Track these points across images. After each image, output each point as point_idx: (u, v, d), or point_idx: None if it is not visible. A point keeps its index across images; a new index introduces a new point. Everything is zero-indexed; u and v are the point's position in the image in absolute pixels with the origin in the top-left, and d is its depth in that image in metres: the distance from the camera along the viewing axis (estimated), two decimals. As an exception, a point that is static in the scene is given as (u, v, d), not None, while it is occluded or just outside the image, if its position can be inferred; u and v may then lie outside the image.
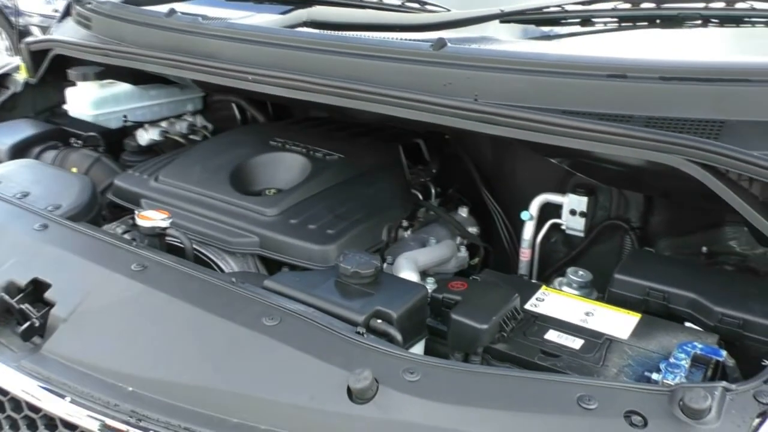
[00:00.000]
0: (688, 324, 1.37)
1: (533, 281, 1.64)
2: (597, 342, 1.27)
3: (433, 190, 2.10)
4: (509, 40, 1.74)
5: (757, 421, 0.94)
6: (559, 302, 1.43)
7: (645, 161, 1.36)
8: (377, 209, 1.67)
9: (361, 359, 1.06)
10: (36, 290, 1.34)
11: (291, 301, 1.23)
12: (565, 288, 1.67)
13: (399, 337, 1.18)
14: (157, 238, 1.47)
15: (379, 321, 1.20)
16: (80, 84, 2.06)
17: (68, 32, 2.34)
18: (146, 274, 1.31)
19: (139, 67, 1.94)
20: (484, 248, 1.99)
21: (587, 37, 1.69)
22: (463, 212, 2.07)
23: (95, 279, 1.32)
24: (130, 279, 1.30)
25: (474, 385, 1.02)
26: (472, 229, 2.03)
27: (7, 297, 1.29)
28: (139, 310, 1.24)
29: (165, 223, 1.44)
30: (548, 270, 2.01)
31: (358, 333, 1.13)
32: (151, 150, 2.32)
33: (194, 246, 1.59)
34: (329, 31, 1.72)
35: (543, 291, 1.47)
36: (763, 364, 1.23)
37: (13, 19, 7.29)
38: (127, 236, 1.67)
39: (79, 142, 2.26)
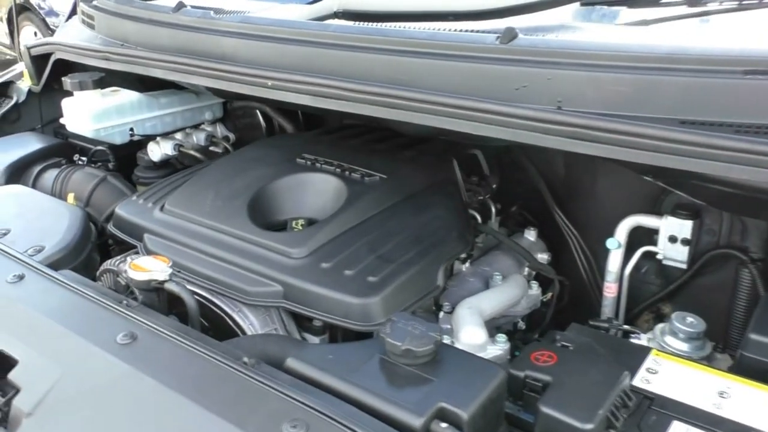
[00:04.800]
0: None
1: (638, 342, 1.28)
2: (744, 443, 0.92)
3: (493, 209, 1.75)
4: (592, 28, 1.38)
5: None
6: (679, 375, 1.07)
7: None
8: (431, 245, 1.33)
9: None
10: (3, 367, 1.06)
11: (320, 394, 0.91)
12: (668, 338, 1.32)
13: (471, 448, 0.85)
14: (154, 293, 1.16)
15: (444, 425, 0.86)
16: (77, 94, 1.76)
17: (72, 33, 2.08)
18: (134, 349, 1.01)
19: (143, 73, 1.64)
20: (560, 282, 1.64)
21: (694, 22, 1.32)
22: (531, 236, 1.72)
23: (71, 355, 1.03)
24: (113, 356, 0.99)
25: None
26: (542, 257, 1.68)
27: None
28: (119, 403, 0.93)
29: (163, 276, 1.14)
30: (637, 307, 1.65)
31: (415, 452, 0.80)
32: (169, 164, 2.04)
33: (206, 296, 1.28)
34: (366, 24, 1.38)
35: (654, 357, 1.11)
36: None
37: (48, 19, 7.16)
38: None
39: (83, 159, 1.99)
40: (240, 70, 1.41)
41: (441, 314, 1.35)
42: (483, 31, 1.23)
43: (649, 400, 1.01)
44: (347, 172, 1.48)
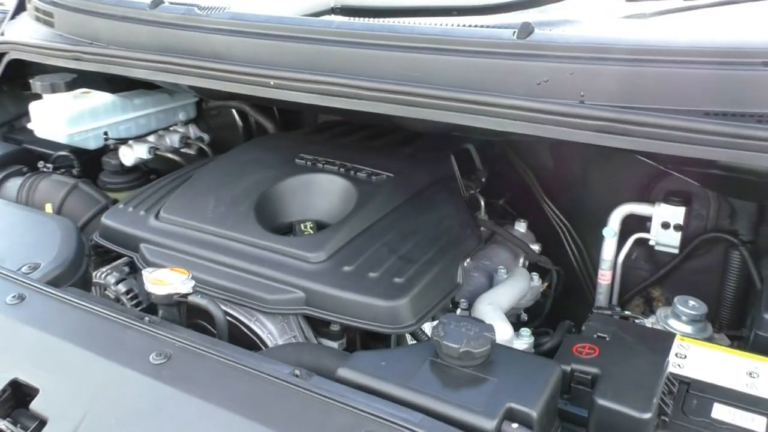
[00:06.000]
0: None
1: (660, 329, 1.32)
2: (784, 420, 0.96)
3: (482, 203, 1.77)
4: (594, 21, 1.40)
5: None
6: (707, 358, 1.11)
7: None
8: (448, 243, 1.32)
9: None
10: (16, 396, 0.98)
11: (385, 403, 0.88)
12: (672, 321, 1.37)
13: (543, 447, 0.85)
14: (175, 307, 1.10)
15: (515, 425, 0.86)
16: (47, 97, 1.65)
17: (25, 31, 1.93)
18: (172, 369, 0.95)
19: (123, 73, 1.55)
20: (556, 272, 1.67)
21: (694, 14, 1.35)
22: (521, 227, 1.75)
23: (101, 380, 0.96)
24: (151, 378, 0.94)
25: None
26: (534, 248, 1.71)
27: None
28: (170, 429, 0.88)
29: (186, 288, 1.08)
30: (629, 293, 1.70)
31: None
32: (137, 168, 1.94)
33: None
34: (369, 20, 1.35)
35: (680, 343, 1.15)
36: None
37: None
38: (122, 287, 1.31)
39: (49, 165, 1.87)
40: (238, 69, 1.35)
41: (458, 311, 1.35)
42: (496, 26, 1.22)
43: (686, 384, 1.05)
44: (352, 172, 1.45)
